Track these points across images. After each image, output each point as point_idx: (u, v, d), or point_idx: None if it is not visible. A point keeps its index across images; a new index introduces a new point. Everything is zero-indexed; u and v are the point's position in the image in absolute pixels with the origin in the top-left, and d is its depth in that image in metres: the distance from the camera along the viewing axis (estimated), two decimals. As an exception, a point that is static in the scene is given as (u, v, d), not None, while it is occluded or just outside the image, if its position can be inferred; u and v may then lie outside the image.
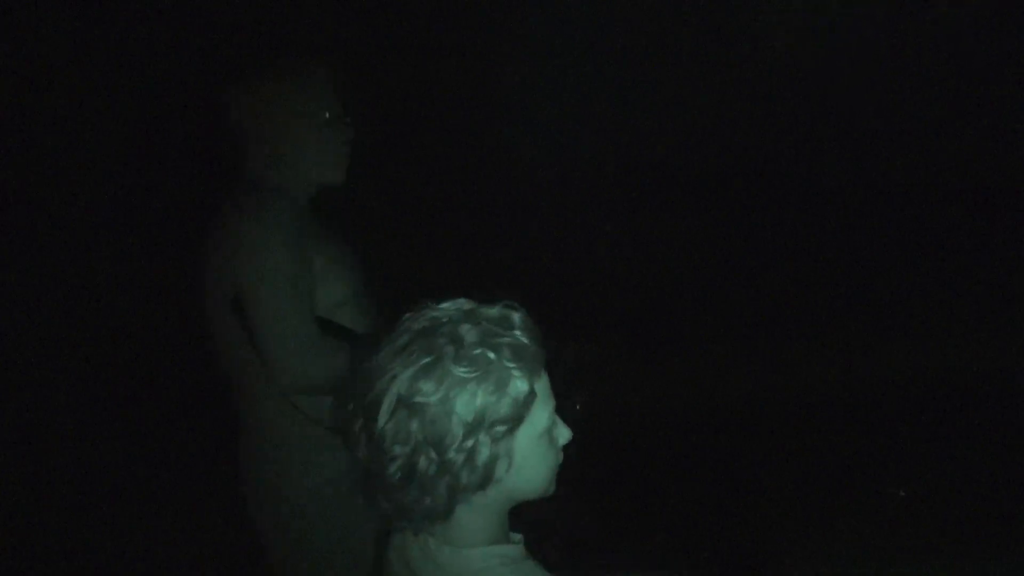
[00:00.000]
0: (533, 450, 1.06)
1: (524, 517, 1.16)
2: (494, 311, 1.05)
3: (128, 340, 3.69)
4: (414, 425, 0.99)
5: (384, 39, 4.54)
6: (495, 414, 1.00)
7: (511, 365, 1.01)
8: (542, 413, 1.05)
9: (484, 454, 1.01)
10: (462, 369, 0.99)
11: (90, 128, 3.79)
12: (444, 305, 1.06)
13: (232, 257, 1.65)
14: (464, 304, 1.07)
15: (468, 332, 1.02)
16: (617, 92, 5.22)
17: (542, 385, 1.06)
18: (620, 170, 5.16)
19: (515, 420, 1.02)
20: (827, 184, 5.28)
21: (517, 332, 1.04)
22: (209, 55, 3.62)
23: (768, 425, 3.70)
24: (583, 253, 4.69)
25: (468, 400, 0.99)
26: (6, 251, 3.42)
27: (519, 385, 1.01)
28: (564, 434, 1.11)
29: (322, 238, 1.73)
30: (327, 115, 1.74)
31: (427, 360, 1.00)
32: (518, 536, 1.15)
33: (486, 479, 1.02)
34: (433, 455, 0.99)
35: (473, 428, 0.99)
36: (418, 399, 0.99)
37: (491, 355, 1.00)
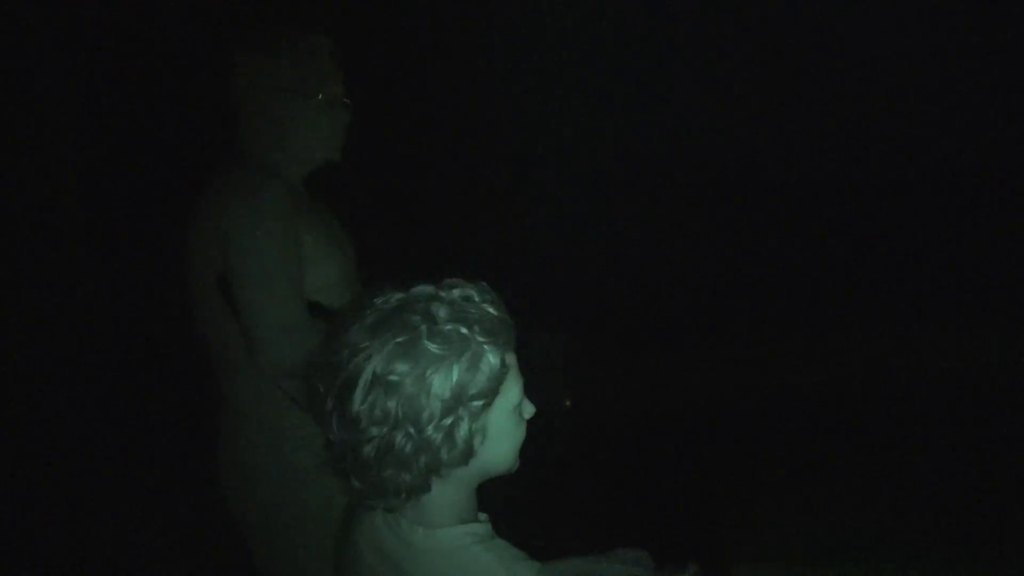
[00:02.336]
0: (505, 424, 1.08)
1: (496, 499, 1.17)
2: (461, 291, 1.06)
3: (109, 325, 3.65)
4: (391, 404, 0.99)
5: (378, 24, 4.51)
6: (472, 389, 1.02)
7: (483, 340, 1.03)
8: (514, 387, 1.08)
9: (463, 429, 1.02)
10: (436, 346, 1.00)
11: (73, 104, 3.73)
12: (411, 288, 1.07)
13: (220, 235, 1.61)
14: (429, 287, 1.07)
15: (439, 310, 1.03)
16: (608, 89, 5.22)
17: (512, 360, 1.08)
18: (610, 167, 5.17)
19: (491, 394, 1.04)
20: (813, 185, 5.31)
21: (487, 307, 1.05)
22: (203, 31, 3.57)
23: (751, 420, 3.72)
24: (569, 248, 4.69)
25: (445, 377, 1.00)
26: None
27: (492, 360, 1.03)
28: (529, 409, 1.13)
29: (314, 218, 1.69)
30: (325, 94, 1.67)
31: (402, 338, 1.00)
32: (484, 516, 1.15)
33: (467, 454, 1.04)
34: (412, 431, 1.00)
35: (452, 405, 1.01)
36: (394, 377, 0.99)
37: (464, 330, 1.02)
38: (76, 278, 3.66)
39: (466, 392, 1.01)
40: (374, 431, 1.00)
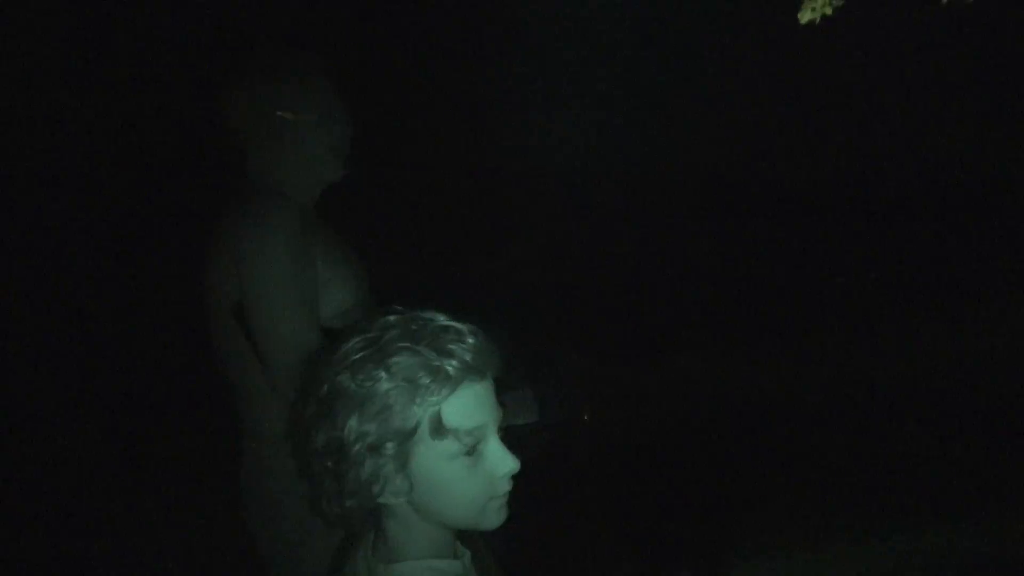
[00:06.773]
0: (441, 473, 1.02)
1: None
2: (393, 333, 1.04)
3: (130, 346, 3.66)
4: (317, 433, 1.04)
5: (382, 38, 4.52)
6: (381, 431, 1.00)
7: (406, 384, 1.00)
8: (451, 438, 1.01)
9: (369, 467, 1.02)
10: (354, 385, 1.01)
11: (88, 129, 3.74)
12: (380, 320, 1.06)
13: (235, 263, 1.62)
14: (398, 319, 1.05)
15: (358, 359, 1.03)
16: (608, 98, 5.23)
17: (455, 408, 1.01)
18: (612, 178, 5.18)
19: (399, 439, 1.00)
20: (810, 191, 5.33)
21: (420, 352, 1.01)
22: (207, 53, 3.60)
23: (745, 426, 3.74)
24: (576, 263, 4.71)
25: (350, 414, 1.01)
26: (6, 255, 3.40)
27: (406, 406, 1.00)
28: (502, 465, 1.05)
29: (327, 244, 1.70)
30: (323, 113, 1.71)
31: (324, 390, 1.04)
32: (464, 552, 1.14)
33: (380, 490, 1.03)
34: (329, 464, 1.04)
35: (355, 440, 1.01)
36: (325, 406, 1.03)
37: (383, 375, 1.00)
38: (102, 291, 3.66)
39: (374, 433, 1.01)
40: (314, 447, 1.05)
